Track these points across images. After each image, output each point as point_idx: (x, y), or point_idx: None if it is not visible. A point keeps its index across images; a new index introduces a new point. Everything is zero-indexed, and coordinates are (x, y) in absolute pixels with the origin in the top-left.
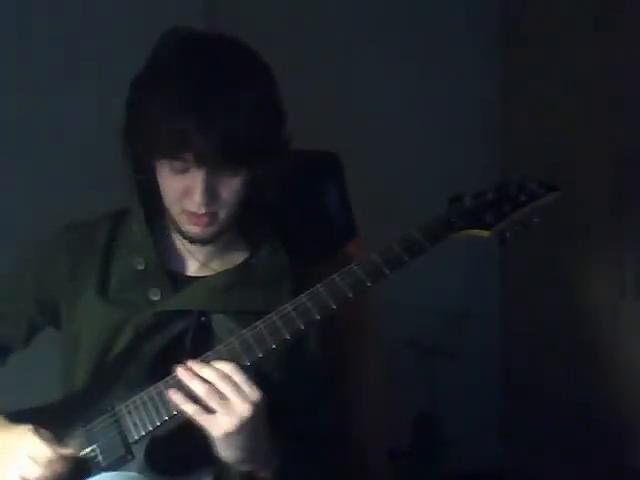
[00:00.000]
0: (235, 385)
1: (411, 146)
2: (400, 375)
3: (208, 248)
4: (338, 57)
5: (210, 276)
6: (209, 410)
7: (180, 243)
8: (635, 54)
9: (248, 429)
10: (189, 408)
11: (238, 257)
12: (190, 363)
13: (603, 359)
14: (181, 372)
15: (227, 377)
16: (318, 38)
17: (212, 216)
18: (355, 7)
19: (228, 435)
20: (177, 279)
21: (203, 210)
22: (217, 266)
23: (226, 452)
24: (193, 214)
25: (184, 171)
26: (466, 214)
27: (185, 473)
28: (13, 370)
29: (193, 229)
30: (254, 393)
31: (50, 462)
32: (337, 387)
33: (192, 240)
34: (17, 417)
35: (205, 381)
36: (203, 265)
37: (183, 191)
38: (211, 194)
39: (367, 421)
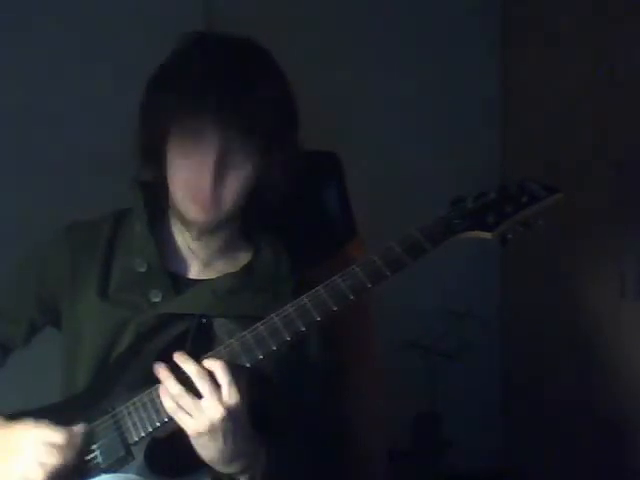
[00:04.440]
0: (214, 386)
1: (411, 146)
2: (400, 375)
3: (209, 249)
4: (338, 57)
5: (212, 279)
6: (186, 409)
7: (182, 241)
8: (635, 54)
9: (221, 432)
10: (168, 404)
11: (240, 259)
12: (176, 356)
13: (603, 359)
14: (159, 370)
15: (208, 376)
16: (318, 38)
17: (216, 200)
18: (355, 7)
19: (199, 435)
20: (179, 281)
21: (209, 189)
22: (219, 268)
23: (201, 452)
24: (199, 195)
25: (194, 151)
26: (468, 216)
27: (184, 474)
28: (13, 370)
29: (197, 215)
30: (232, 397)
31: (63, 445)
32: (337, 387)
33: (194, 229)
34: (17, 418)
35: (182, 380)
36: (205, 267)
37: (192, 172)
38: (219, 176)
39: (367, 421)
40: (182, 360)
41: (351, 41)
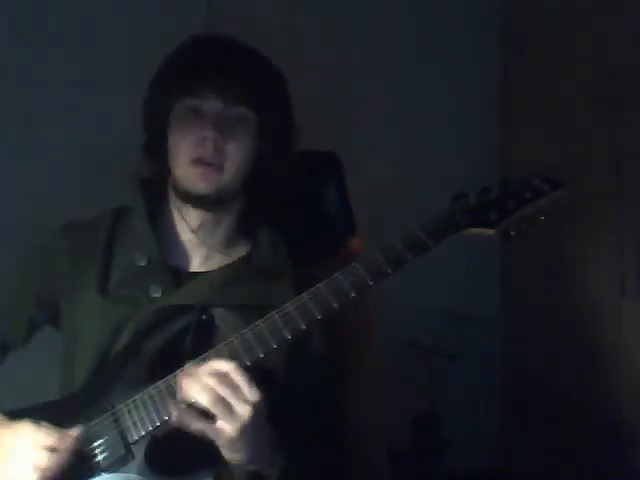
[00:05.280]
0: (235, 388)
1: (411, 146)
2: (400, 375)
3: (209, 243)
4: (338, 57)
5: (211, 271)
6: (212, 419)
7: (183, 236)
8: (635, 54)
9: (250, 430)
10: (199, 426)
11: (239, 253)
12: (188, 369)
13: (603, 359)
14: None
15: (226, 380)
16: (318, 38)
17: (217, 168)
18: (355, 7)
19: (232, 440)
20: (179, 275)
21: (211, 153)
22: (219, 262)
23: (231, 455)
24: (201, 163)
25: (196, 122)
26: (470, 211)
27: (185, 474)
28: (13, 370)
29: (199, 182)
30: (253, 394)
31: (59, 449)
32: (338, 386)
33: (197, 200)
34: (16, 416)
35: (205, 387)
36: (205, 262)
37: (194, 138)
38: (219, 145)
39: (367, 420)
40: (198, 375)
41: (351, 41)
